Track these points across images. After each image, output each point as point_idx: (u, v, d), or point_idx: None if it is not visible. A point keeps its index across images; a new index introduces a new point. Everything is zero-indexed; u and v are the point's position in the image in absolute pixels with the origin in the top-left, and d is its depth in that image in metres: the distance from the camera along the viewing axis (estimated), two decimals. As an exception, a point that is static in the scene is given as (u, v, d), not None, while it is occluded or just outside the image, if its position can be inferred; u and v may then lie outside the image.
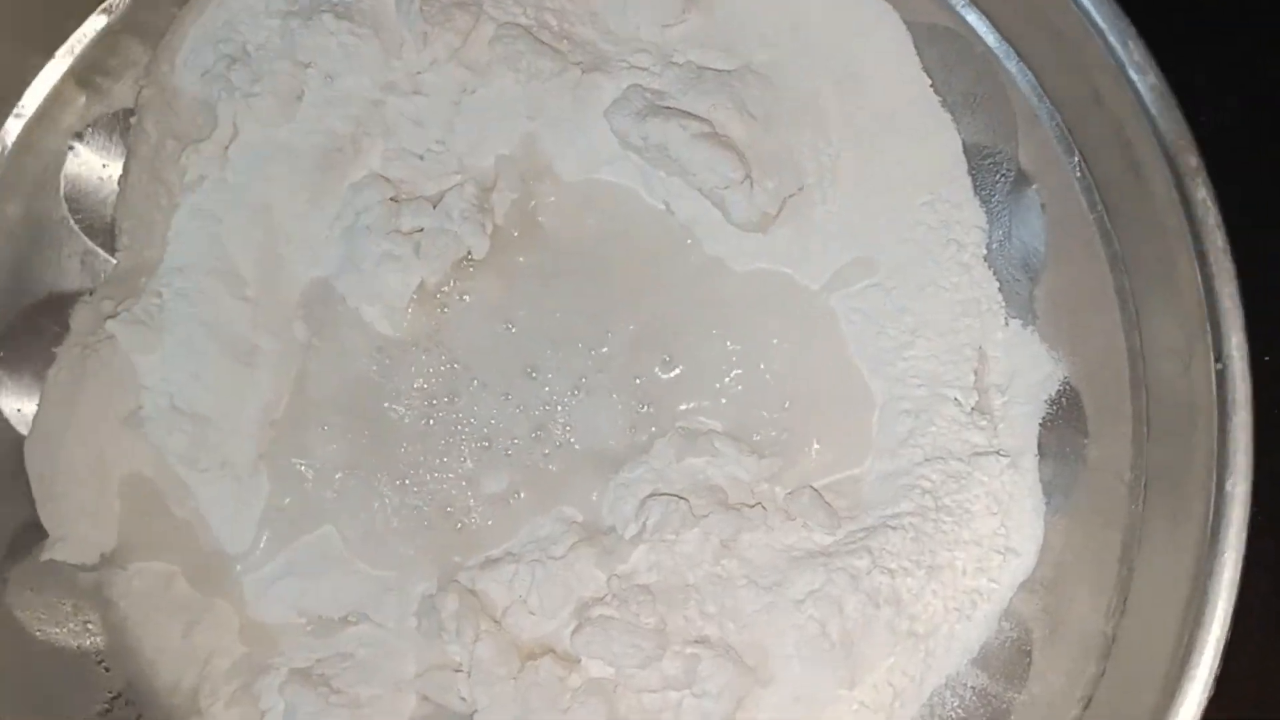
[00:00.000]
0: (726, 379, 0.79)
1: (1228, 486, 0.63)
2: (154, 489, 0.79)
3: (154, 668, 0.78)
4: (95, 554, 0.78)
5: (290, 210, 0.80)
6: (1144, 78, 0.66)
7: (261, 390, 0.79)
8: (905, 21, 0.79)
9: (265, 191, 0.80)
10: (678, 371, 0.79)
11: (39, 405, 0.79)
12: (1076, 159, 0.76)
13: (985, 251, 0.78)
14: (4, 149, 0.81)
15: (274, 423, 0.79)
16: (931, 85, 0.79)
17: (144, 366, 0.79)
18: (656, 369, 0.79)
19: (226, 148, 0.79)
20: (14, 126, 0.81)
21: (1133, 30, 0.66)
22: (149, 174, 0.81)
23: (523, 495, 0.78)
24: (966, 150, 0.79)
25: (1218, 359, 0.64)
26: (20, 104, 0.81)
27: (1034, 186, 0.78)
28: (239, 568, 0.78)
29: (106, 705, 0.78)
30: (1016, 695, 0.76)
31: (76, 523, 0.78)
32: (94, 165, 0.83)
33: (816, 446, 0.78)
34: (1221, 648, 0.63)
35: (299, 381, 0.79)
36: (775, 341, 0.79)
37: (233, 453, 0.78)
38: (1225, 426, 0.63)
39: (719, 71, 0.80)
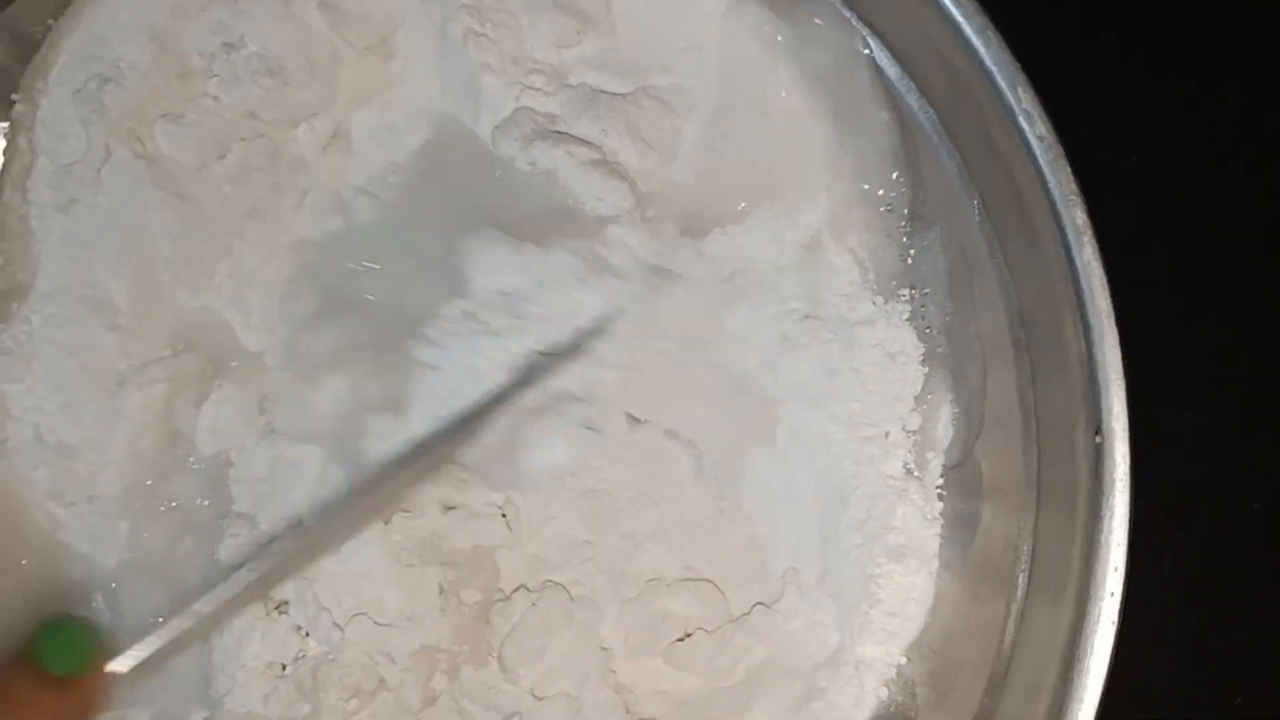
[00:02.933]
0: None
1: (1097, 576, 0.58)
2: (20, 519, 0.76)
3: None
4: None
5: (168, 235, 0.76)
6: (1031, 126, 0.61)
7: (130, 423, 0.76)
8: (806, 45, 0.75)
9: (140, 216, 0.76)
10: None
11: (-96, 429, 0.76)
12: (976, 202, 0.72)
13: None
14: None
15: (138, 455, 0.76)
16: (833, 113, 0.75)
17: (11, 396, 0.75)
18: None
19: (99, 170, 0.76)
20: (-120, 141, 0.78)
21: (1023, 76, 0.62)
22: (21, 194, 0.77)
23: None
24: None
25: (1097, 432, 0.60)
26: (-114, 118, 0.78)
27: (936, 227, 0.74)
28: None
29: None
30: (898, 765, 0.72)
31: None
32: (-34, 183, 0.79)
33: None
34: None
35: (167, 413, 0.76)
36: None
37: (101, 487, 0.75)
38: (1098, 508, 0.59)
39: (614, 95, 0.76)
